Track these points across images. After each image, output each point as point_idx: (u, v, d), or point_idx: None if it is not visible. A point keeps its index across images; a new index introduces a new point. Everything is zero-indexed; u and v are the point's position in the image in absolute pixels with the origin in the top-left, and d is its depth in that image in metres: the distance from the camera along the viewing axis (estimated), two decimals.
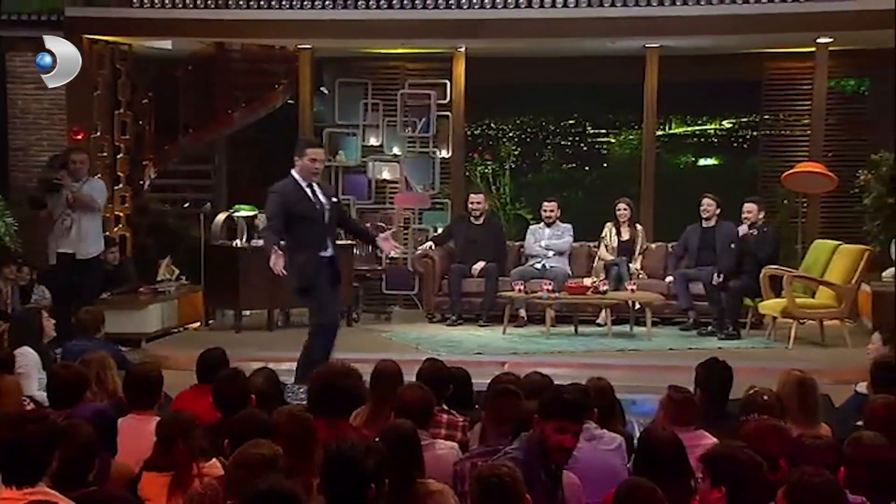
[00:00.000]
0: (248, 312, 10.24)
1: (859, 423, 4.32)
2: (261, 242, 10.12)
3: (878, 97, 12.07)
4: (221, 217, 10.35)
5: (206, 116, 11.69)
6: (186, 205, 12.00)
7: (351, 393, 4.33)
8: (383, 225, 7.37)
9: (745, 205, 9.80)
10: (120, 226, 11.24)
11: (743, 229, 9.71)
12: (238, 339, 9.45)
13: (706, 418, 4.40)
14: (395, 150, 11.91)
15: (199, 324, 10.39)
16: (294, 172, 7.26)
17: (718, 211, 10.11)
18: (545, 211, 10.72)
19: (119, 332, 8.74)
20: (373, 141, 11.99)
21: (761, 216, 9.75)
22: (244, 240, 9.97)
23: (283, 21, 10.88)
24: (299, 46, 11.47)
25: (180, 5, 10.77)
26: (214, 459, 3.90)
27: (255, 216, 10.53)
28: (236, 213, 10.15)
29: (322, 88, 12.69)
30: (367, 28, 10.92)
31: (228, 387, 4.59)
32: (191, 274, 10.60)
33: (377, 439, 3.62)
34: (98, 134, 10.97)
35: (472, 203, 10.76)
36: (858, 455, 3.40)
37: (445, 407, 4.76)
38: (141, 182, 11.69)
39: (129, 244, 11.32)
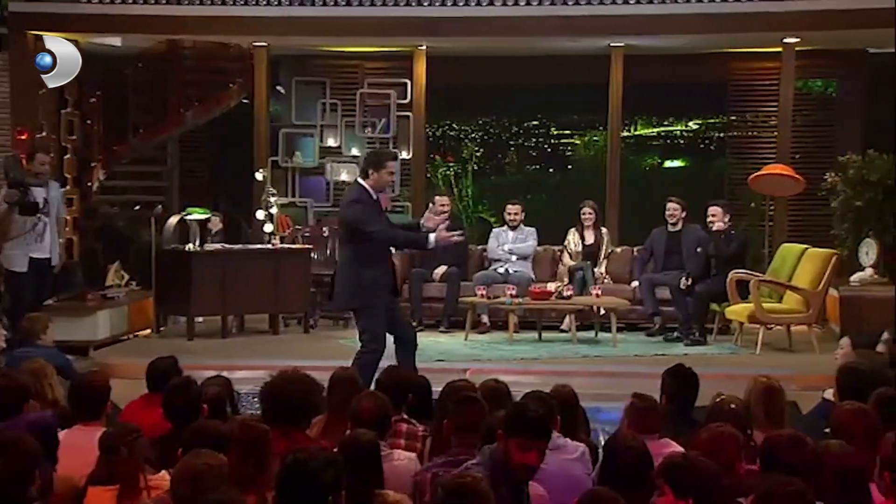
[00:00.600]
0: (200, 319, 10.17)
1: (827, 430, 4.35)
2: (215, 246, 10.12)
3: (845, 98, 12.24)
4: (173, 220, 10.27)
5: (157, 116, 11.59)
6: (137, 207, 11.89)
7: (307, 402, 4.30)
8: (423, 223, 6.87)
9: (710, 208, 9.88)
10: (67, 229, 11.11)
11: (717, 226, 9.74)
12: (190, 346, 9.37)
13: (672, 426, 4.42)
14: (354, 151, 11.88)
15: (149, 331, 10.29)
16: (365, 184, 7.00)
17: (684, 214, 10.19)
18: (509, 214, 10.74)
19: (66, 340, 8.61)
20: (331, 142, 11.96)
21: (727, 219, 9.82)
22: (197, 243, 9.89)
23: (238, 17, 10.83)
24: (254, 44, 11.41)
25: (130, 0, 10.68)
26: (164, 472, 3.86)
27: (209, 219, 10.47)
28: (189, 216, 10.07)
29: (278, 87, 12.63)
30: (325, 25, 10.89)
31: (180, 396, 4.54)
32: (141, 279, 10.50)
33: (336, 450, 3.59)
34: (44, 134, 10.84)
35: (439, 206, 10.73)
36: (825, 463, 3.43)
37: (405, 416, 4.74)
38: (89, 184, 11.56)
39: (76, 248, 11.20)
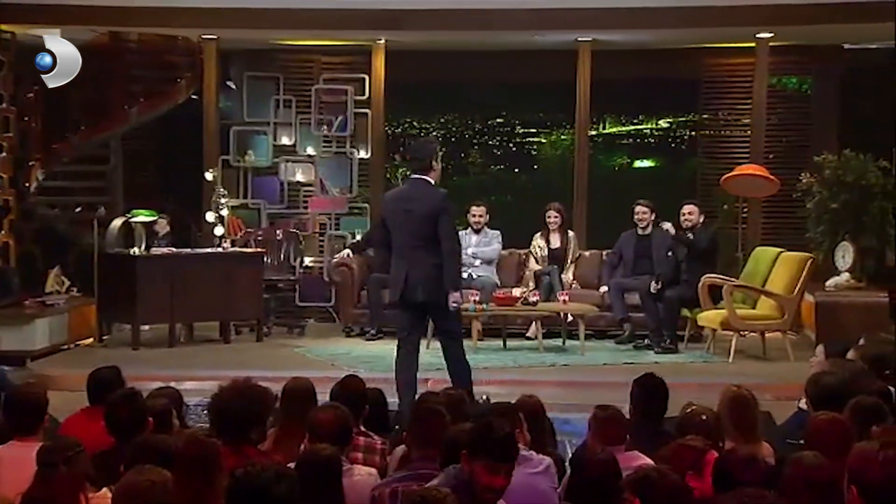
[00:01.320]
0: (146, 327, 10.10)
1: (802, 441, 4.39)
2: (162, 250, 10.05)
3: (821, 96, 12.36)
4: (117, 223, 10.19)
5: (100, 113, 11.49)
6: (78, 209, 11.77)
7: (258, 414, 4.27)
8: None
9: (685, 206, 9.94)
10: (2, 232, 10.99)
11: (667, 225, 9.80)
12: (135, 356, 9.31)
13: (641, 438, 4.44)
14: (310, 151, 11.84)
15: (91, 340, 10.21)
16: (430, 179, 7.25)
17: (653, 217, 10.26)
18: (473, 216, 10.76)
19: (1, 350, 8.54)
20: (285, 140, 11.91)
21: (701, 220, 9.89)
22: (143, 247, 9.82)
23: (186, 9, 10.75)
24: (203, 37, 11.35)
25: None
26: (105, 490, 3.82)
27: (155, 221, 10.39)
28: (134, 219, 10.00)
29: (229, 83, 12.56)
30: (279, 17, 10.85)
31: (123, 409, 4.50)
32: (83, 285, 10.41)
33: (293, 465, 3.57)
34: None
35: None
36: (798, 475, 3.46)
37: (363, 429, 4.73)
38: (27, 184, 11.43)
39: (12, 252, 11.07)
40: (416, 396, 4.82)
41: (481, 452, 3.63)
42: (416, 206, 7.15)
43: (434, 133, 13.99)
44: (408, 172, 12.49)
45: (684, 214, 9.86)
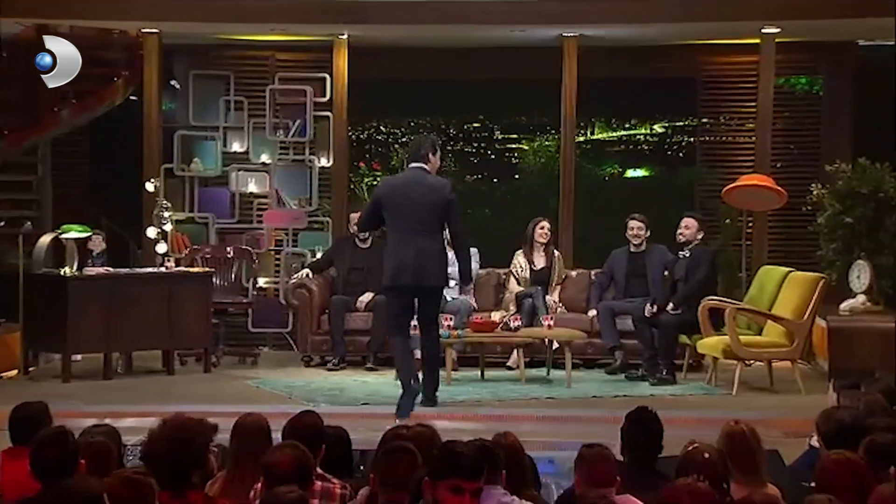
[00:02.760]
0: (79, 357, 10.05)
1: (813, 483, 4.40)
2: (97, 270, 10.00)
3: (832, 98, 12.46)
4: (46, 239, 10.14)
5: (26, 115, 11.44)
6: (1, 224, 11.70)
7: (197, 455, 4.24)
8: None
9: (684, 219, 9.97)
10: None
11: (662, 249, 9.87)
12: (66, 389, 9.25)
13: (633, 480, 4.44)
14: (264, 158, 11.83)
15: (15, 372, 10.12)
16: (430, 169, 8.49)
17: (648, 234, 10.29)
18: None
19: None
20: (236, 146, 11.90)
21: (699, 237, 9.92)
22: (75, 267, 9.77)
23: None
24: (143, 30, 11.34)
25: None
26: None
27: (89, 238, 10.34)
28: (65, 235, 9.95)
29: (173, 82, 12.54)
30: (228, 9, 10.86)
31: (51, 450, 4.45)
32: (6, 309, 10.33)
33: None
34: None
35: (353, 222, 10.74)
36: None
37: (319, 471, 4.71)
38: None
39: None
40: (386, 432, 4.80)
41: (443, 472, 3.64)
42: (421, 194, 8.33)
43: (404, 139, 14.00)
44: (368, 181, 12.61)
45: (680, 228, 9.89)
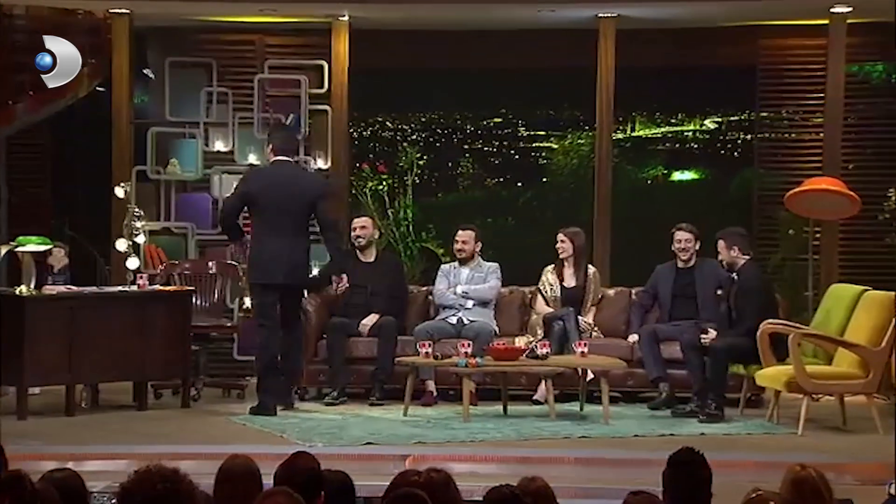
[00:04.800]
0: (36, 390, 10.05)
1: None
2: (59, 288, 10.02)
3: None
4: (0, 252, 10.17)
5: None
6: None
7: None
8: None
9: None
10: None
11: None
12: (23, 427, 9.25)
13: None
14: (252, 159, 11.84)
15: None
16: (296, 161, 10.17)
17: (698, 247, 10.29)
18: (457, 244, 10.76)
19: None
20: (220, 146, 11.92)
21: (732, 253, 9.75)
22: (32, 285, 9.78)
23: None
24: (111, 11, 11.39)
25: None
26: None
27: (49, 251, 10.36)
28: (21, 248, 9.97)
29: (146, 71, 12.57)
30: None
31: (4, 497, 4.48)
32: None
33: None
34: None
35: (354, 231, 10.76)
36: None
37: None
38: None
39: None
40: (395, 477, 4.80)
41: None
42: (295, 188, 9.59)
43: (414, 136, 14.02)
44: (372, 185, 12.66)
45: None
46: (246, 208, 9.87)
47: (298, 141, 10.28)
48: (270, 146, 9.93)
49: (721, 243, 9.85)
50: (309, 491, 4.72)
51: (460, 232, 10.80)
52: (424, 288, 11.08)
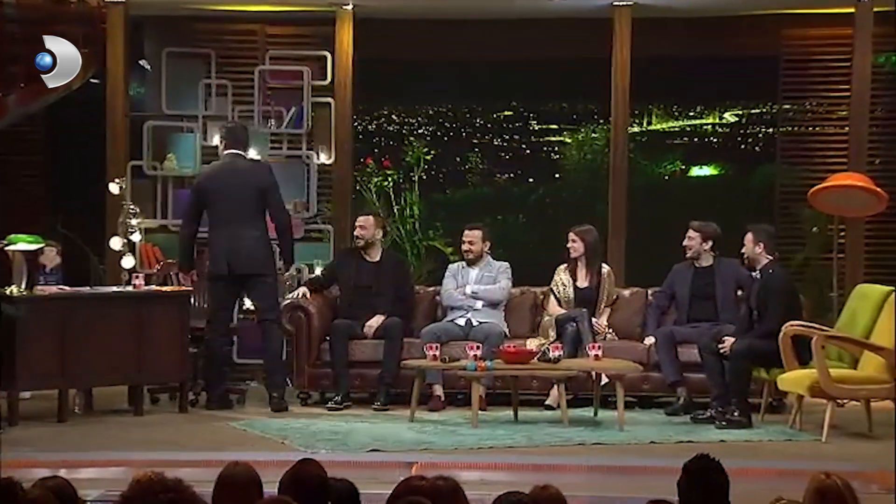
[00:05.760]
0: (28, 395, 10.07)
1: None
2: (51, 289, 10.03)
3: None
4: None
5: None
6: None
7: None
8: None
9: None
10: None
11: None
12: (14, 434, 9.26)
13: None
14: (252, 154, 11.84)
15: None
16: (246, 154, 10.51)
17: (708, 246, 10.29)
18: (464, 243, 10.77)
19: None
20: (218, 140, 11.91)
21: (758, 250, 9.73)
22: (23, 286, 9.79)
23: None
24: None
25: None
26: None
27: (41, 250, 10.37)
28: (11, 247, 9.98)
29: (142, 62, 12.57)
30: None
31: None
32: None
33: None
34: None
35: (358, 229, 10.76)
36: None
37: None
38: None
39: None
40: (399, 485, 4.80)
41: None
42: (243, 179, 10.16)
43: (421, 130, 14.01)
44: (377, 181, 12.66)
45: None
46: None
47: (247, 132, 10.60)
48: (223, 142, 10.44)
49: (749, 236, 9.83)
50: (315, 499, 4.73)
51: (467, 232, 10.80)
52: (431, 288, 11.09)
